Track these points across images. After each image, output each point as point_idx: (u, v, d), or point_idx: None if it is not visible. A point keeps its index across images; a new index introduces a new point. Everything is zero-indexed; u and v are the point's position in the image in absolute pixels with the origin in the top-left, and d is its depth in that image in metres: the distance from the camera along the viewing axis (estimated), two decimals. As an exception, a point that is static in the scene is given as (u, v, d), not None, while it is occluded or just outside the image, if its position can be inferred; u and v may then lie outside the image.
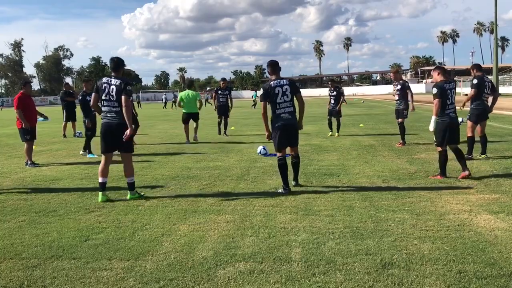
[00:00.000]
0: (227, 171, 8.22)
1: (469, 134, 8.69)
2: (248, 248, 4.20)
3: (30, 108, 9.70)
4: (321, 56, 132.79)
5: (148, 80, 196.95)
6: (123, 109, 5.99)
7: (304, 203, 5.77)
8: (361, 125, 17.01)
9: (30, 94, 10.06)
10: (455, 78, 59.88)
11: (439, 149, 6.99)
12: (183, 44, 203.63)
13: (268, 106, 6.49)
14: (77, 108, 13.12)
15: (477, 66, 8.97)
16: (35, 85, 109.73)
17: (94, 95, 6.35)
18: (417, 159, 8.86)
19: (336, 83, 15.41)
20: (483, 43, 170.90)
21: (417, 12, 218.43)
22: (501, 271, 3.53)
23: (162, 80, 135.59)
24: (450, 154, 7.04)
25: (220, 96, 15.03)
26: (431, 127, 6.95)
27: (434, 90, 6.87)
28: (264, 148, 9.97)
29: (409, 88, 11.21)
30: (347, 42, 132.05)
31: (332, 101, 13.68)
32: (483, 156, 8.69)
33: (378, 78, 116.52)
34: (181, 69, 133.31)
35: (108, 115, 6.12)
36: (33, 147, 10.05)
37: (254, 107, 37.21)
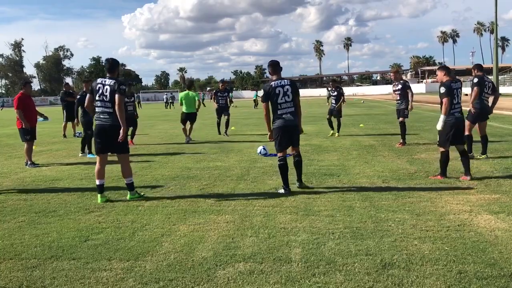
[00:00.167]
0: (227, 171, 8.22)
1: (466, 133, 8.70)
2: (248, 248, 4.20)
3: (30, 108, 9.70)
4: (321, 56, 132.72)
5: (148, 80, 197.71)
6: (116, 107, 5.99)
7: (304, 203, 5.77)
8: (361, 125, 17.01)
9: (30, 94, 10.06)
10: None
11: (442, 149, 6.97)
12: (183, 44, 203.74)
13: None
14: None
15: (478, 66, 8.99)
16: (35, 85, 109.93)
17: (89, 96, 6.36)
18: (417, 159, 8.86)
19: (337, 83, 15.54)
20: (483, 43, 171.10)
21: (417, 12, 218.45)
22: (501, 271, 3.52)
23: (162, 80, 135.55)
24: (451, 155, 7.03)
25: (220, 98, 15.37)
26: (439, 126, 6.88)
27: (442, 89, 6.83)
28: (264, 148, 9.92)
29: (409, 87, 11.25)
30: (347, 42, 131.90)
31: (333, 101, 13.88)
32: (483, 156, 8.70)
33: (378, 78, 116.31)
34: (181, 69, 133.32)
35: (101, 116, 6.12)
36: (33, 147, 10.06)
37: (256, 107, 37.23)
